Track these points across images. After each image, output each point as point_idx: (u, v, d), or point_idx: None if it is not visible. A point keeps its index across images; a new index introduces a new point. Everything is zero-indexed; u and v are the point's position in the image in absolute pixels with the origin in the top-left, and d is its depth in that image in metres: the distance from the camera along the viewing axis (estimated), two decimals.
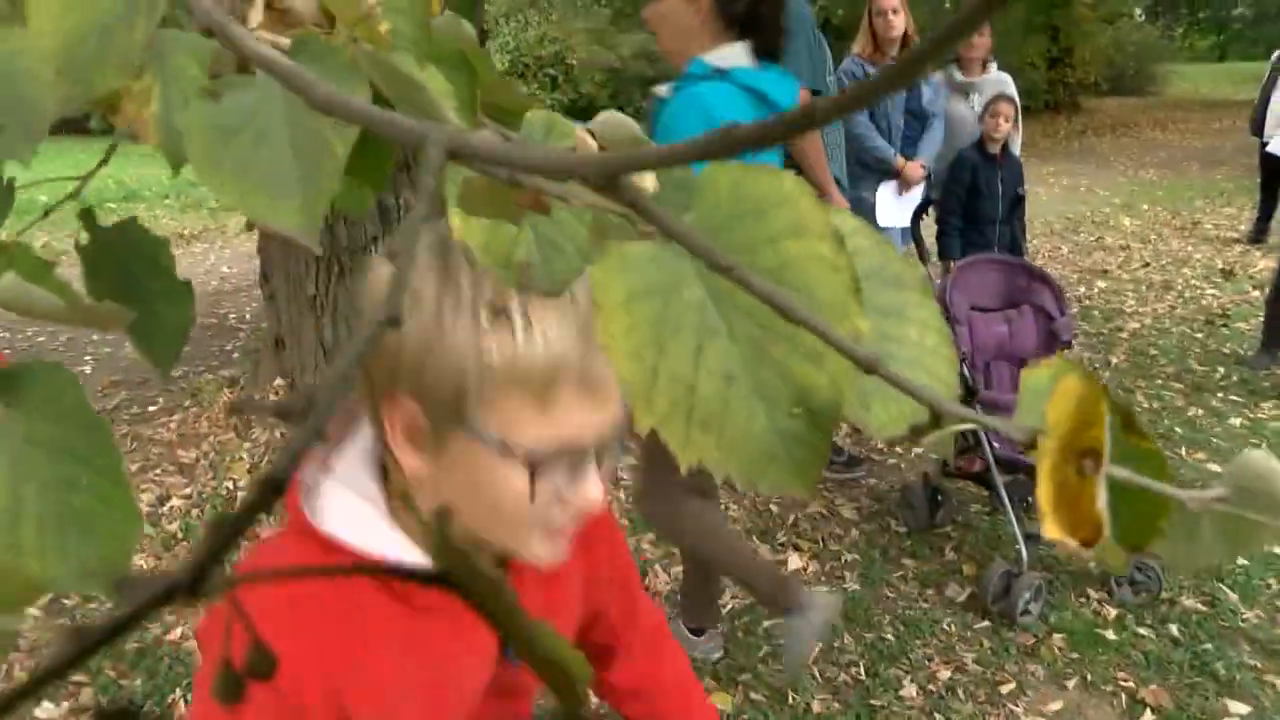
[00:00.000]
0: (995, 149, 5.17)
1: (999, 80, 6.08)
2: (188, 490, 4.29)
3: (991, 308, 3.97)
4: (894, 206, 5.48)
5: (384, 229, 4.37)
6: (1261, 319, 7.06)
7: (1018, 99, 6.05)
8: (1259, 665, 3.30)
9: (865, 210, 5.44)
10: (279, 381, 4.86)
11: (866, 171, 5.47)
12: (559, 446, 0.89)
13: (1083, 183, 13.38)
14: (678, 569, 3.64)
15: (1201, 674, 3.25)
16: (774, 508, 4.28)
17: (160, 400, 5.23)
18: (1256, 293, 7.96)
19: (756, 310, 0.44)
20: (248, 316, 6.96)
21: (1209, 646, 3.38)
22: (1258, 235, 9.73)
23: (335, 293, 4.45)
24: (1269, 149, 9.07)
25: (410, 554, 0.96)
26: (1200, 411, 5.45)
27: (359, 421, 1.00)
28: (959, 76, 6.07)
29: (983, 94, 5.91)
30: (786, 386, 0.44)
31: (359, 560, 0.92)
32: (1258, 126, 9.45)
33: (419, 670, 1.01)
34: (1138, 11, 32.35)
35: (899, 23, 5.30)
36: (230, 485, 4.31)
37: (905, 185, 5.41)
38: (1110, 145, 17.52)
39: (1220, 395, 5.70)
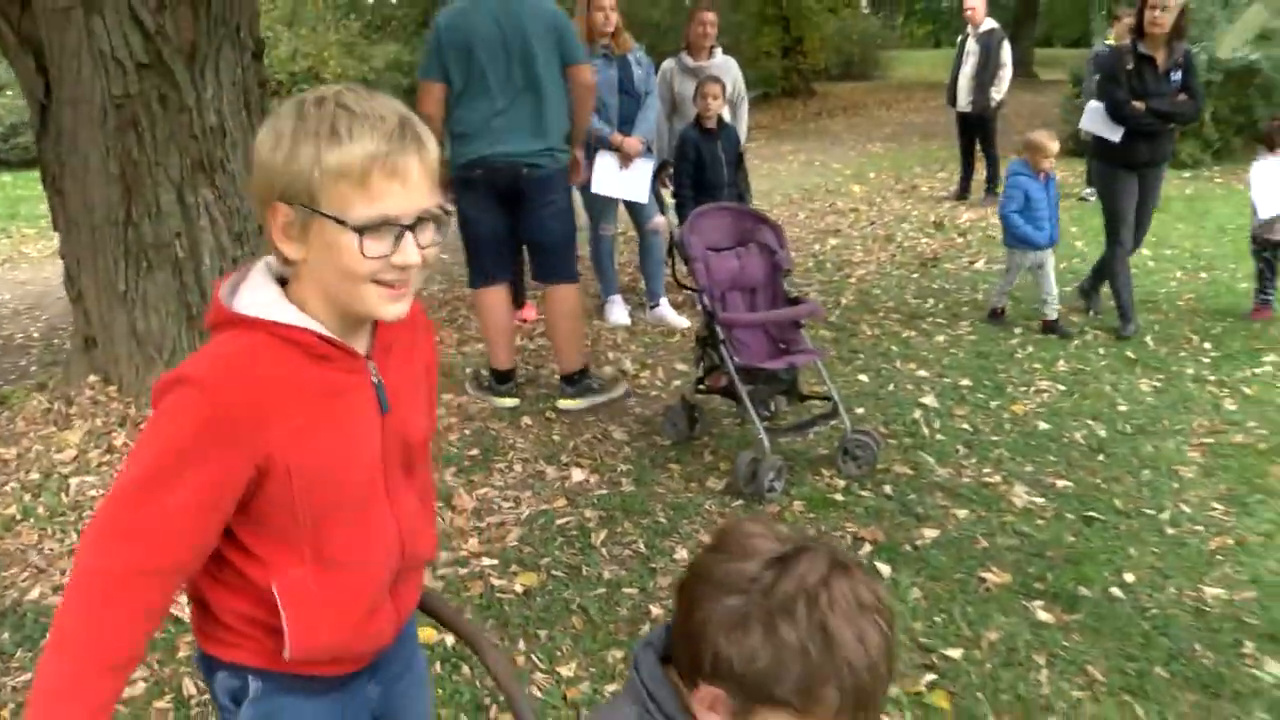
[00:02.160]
0: (711, 124, 5.98)
1: (724, 64, 6.92)
2: (17, 479, 4.52)
3: (724, 247, 4.71)
4: (614, 177, 6.22)
5: (186, 226, 4.75)
6: (964, 260, 8.23)
7: (740, 81, 6.91)
8: (947, 504, 4.17)
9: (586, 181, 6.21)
10: (93, 379, 5.12)
11: (587, 147, 6.20)
12: (379, 217, 1.34)
13: (818, 159, 14.62)
14: None
15: (906, 515, 4.09)
16: (556, 436, 4.92)
17: None
18: (961, 239, 9.19)
19: None
20: (35, 335, 7.07)
21: (913, 497, 4.23)
22: (962, 193, 11.11)
23: (144, 286, 4.80)
24: (958, 109, 10.47)
25: (310, 323, 1.41)
26: (913, 333, 6.43)
27: (255, 262, 1.50)
28: (689, 61, 6.87)
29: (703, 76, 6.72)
30: None
31: (273, 328, 1.40)
32: (951, 97, 10.81)
33: (337, 409, 1.46)
34: (863, 2, 34.63)
35: (614, 18, 6.08)
36: (63, 458, 4.57)
37: (626, 159, 6.17)
38: (842, 125, 19.03)
39: (929, 320, 6.71)
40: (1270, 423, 4.90)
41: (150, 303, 4.81)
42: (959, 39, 11.03)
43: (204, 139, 4.71)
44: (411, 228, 1.36)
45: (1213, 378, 5.57)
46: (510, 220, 5.00)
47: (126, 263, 4.74)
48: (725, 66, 6.83)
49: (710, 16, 6.88)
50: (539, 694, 3.05)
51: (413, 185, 1.35)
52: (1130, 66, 6.02)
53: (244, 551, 1.49)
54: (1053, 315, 6.38)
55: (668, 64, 6.89)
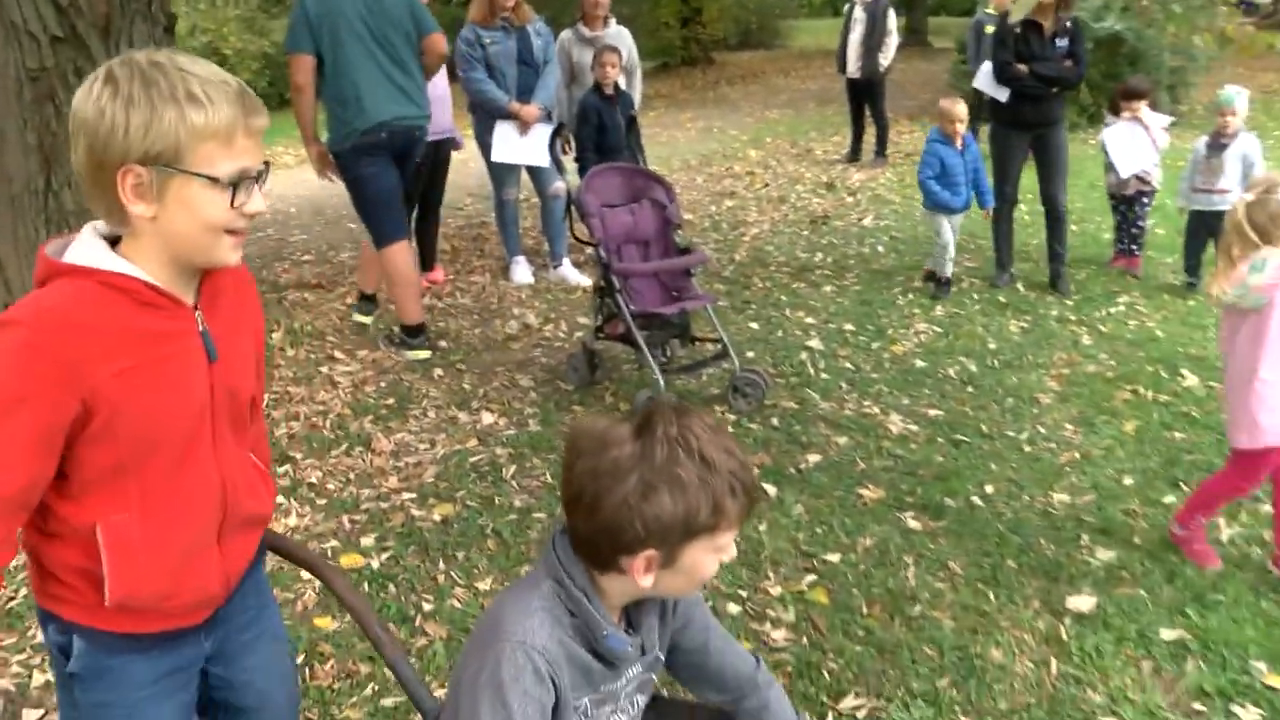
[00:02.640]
0: (610, 90, 6.29)
1: (618, 33, 7.21)
2: None
3: (618, 203, 5.03)
4: (514, 144, 6.52)
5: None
6: (854, 217, 8.66)
7: (634, 50, 7.21)
8: (829, 433, 4.57)
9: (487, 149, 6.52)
10: None
11: (487, 117, 6.51)
12: (239, 171, 1.48)
13: (716, 125, 14.98)
14: None
15: (791, 444, 4.47)
16: (467, 385, 5.21)
17: None
18: (851, 198, 9.62)
19: None
20: None
21: (798, 428, 4.61)
22: (853, 155, 11.56)
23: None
24: (848, 75, 10.94)
25: (138, 272, 1.50)
26: (802, 285, 6.82)
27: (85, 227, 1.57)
28: (585, 32, 7.14)
29: (599, 46, 7.02)
30: None
31: (100, 275, 1.48)
32: (841, 64, 11.23)
33: (160, 352, 1.53)
34: None
35: None
36: None
37: (525, 126, 6.46)
38: (740, 93, 19.42)
39: (818, 273, 7.11)
40: (1119, 355, 5.40)
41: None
42: (846, 8, 11.46)
43: None
44: (258, 179, 1.53)
45: (1074, 318, 6.06)
46: (401, 179, 5.36)
47: (48, 230, 4.88)
48: (620, 36, 7.13)
49: None
50: (458, 605, 3.36)
51: (259, 142, 1.52)
52: (1018, 33, 6.45)
53: (69, 498, 1.55)
54: (948, 274, 6.56)
55: (565, 34, 7.16)
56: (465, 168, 8.91)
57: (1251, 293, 3.18)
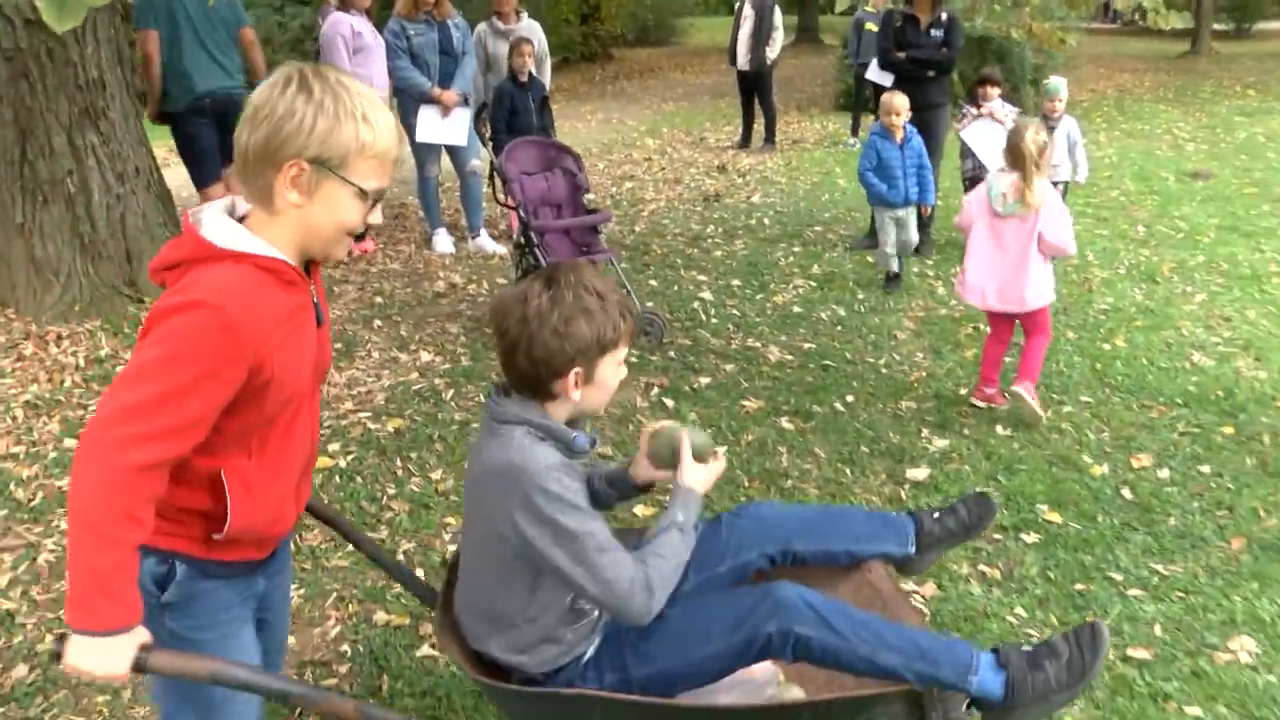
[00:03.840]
0: (523, 78, 7.03)
1: (529, 27, 7.95)
2: None
3: (534, 171, 5.79)
4: (436, 126, 7.25)
5: (76, 165, 5.50)
6: (743, 195, 9.52)
7: (544, 41, 7.94)
8: (718, 362, 5.40)
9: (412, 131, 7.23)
10: None
11: (411, 102, 7.22)
12: (378, 189, 1.75)
13: (615, 117, 15.78)
14: None
15: (686, 370, 5.28)
16: (404, 333, 5.92)
17: None
18: (741, 179, 10.50)
19: None
20: None
21: (692, 359, 5.43)
22: (744, 142, 12.47)
23: (40, 218, 5.53)
24: (738, 67, 11.83)
25: (281, 254, 1.71)
26: (696, 251, 7.65)
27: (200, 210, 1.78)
28: (499, 25, 7.87)
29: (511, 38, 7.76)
30: None
31: (255, 259, 1.68)
32: (732, 57, 12.11)
33: (297, 323, 1.76)
34: None
35: None
36: None
37: (445, 110, 7.18)
38: (638, 87, 20.26)
39: (710, 241, 7.95)
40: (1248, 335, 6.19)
41: (47, 233, 5.54)
42: (737, 5, 12.33)
43: (87, 90, 5.49)
44: (378, 199, 1.81)
45: (932, 274, 6.99)
46: (222, 137, 6.45)
47: (24, 197, 5.46)
48: (531, 28, 7.87)
49: None
50: (416, 490, 4.09)
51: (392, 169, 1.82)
52: (898, 24, 7.34)
53: (205, 451, 1.71)
54: (896, 268, 6.71)
55: (481, 27, 7.87)
56: None
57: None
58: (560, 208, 5.82)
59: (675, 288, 6.72)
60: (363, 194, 1.72)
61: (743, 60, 11.91)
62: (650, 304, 6.22)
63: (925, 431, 4.58)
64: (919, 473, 4.19)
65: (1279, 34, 30.20)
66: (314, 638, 3.23)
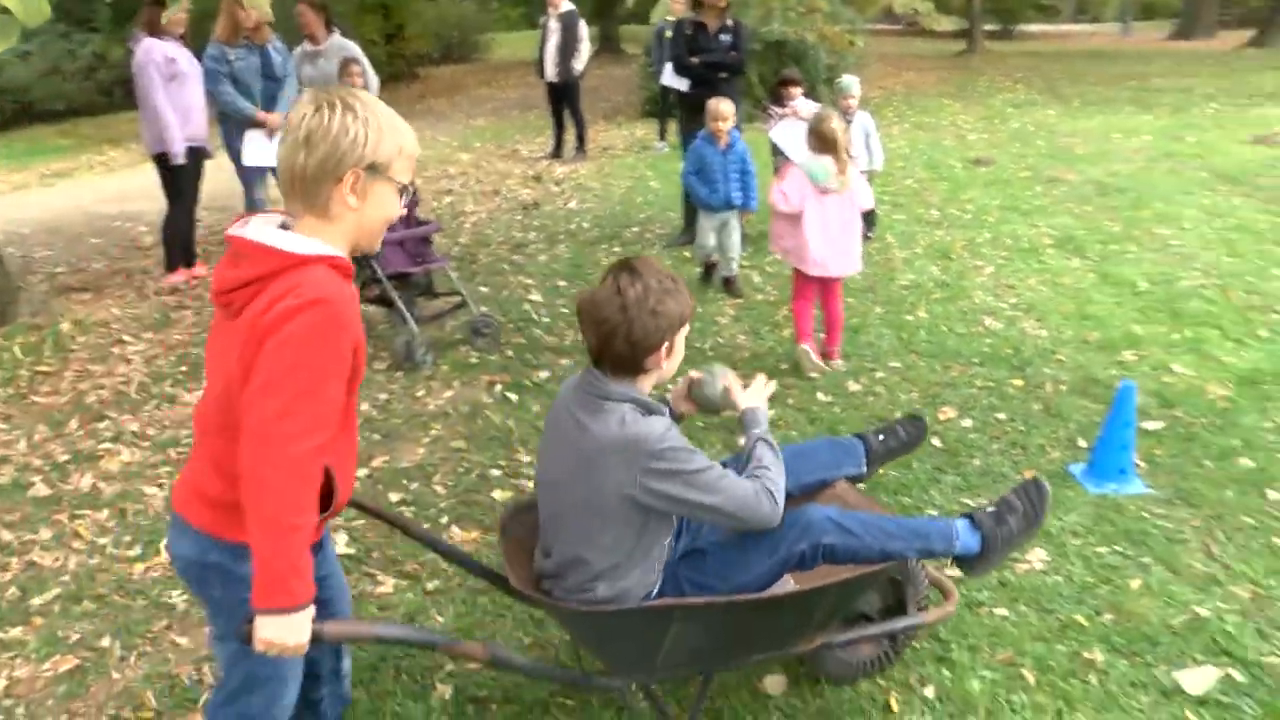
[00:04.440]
0: None
1: (342, 45, 8.02)
2: None
3: None
4: (262, 149, 7.29)
5: None
6: (560, 203, 9.79)
7: (363, 57, 8.02)
8: (555, 357, 5.65)
9: (238, 155, 7.24)
10: None
11: (236, 126, 7.24)
12: (409, 182, 2.03)
13: (427, 134, 15.81)
14: None
15: (525, 366, 5.50)
16: None
17: None
18: (556, 188, 10.78)
19: None
20: None
21: (529, 355, 5.65)
22: (556, 152, 12.75)
23: None
24: (547, 79, 12.09)
25: (339, 251, 1.93)
26: (520, 257, 7.88)
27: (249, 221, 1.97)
28: (309, 47, 7.93)
29: (328, 58, 7.84)
30: None
31: (330, 260, 1.89)
32: (540, 70, 12.34)
33: (357, 310, 1.96)
34: None
35: (255, 15, 7.10)
36: None
37: (271, 133, 7.22)
38: (447, 104, 20.33)
39: (533, 247, 8.19)
40: (781, 287, 6.72)
41: None
42: (542, 20, 12.55)
43: None
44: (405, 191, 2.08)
45: (749, 264, 7.40)
46: None
47: None
48: (343, 46, 7.95)
49: (301, 7, 7.96)
50: None
51: None
52: (689, 32, 7.71)
53: None
54: (730, 272, 6.78)
55: (298, 50, 7.92)
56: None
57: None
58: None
59: (505, 292, 6.93)
60: (403, 189, 2.01)
61: (551, 72, 12.17)
62: (484, 308, 6.41)
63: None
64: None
65: (1036, 35, 33.31)
66: None
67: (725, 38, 7.68)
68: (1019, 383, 5.04)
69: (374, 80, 8.07)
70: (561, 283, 7.09)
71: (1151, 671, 2.94)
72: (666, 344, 2.31)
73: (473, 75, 25.61)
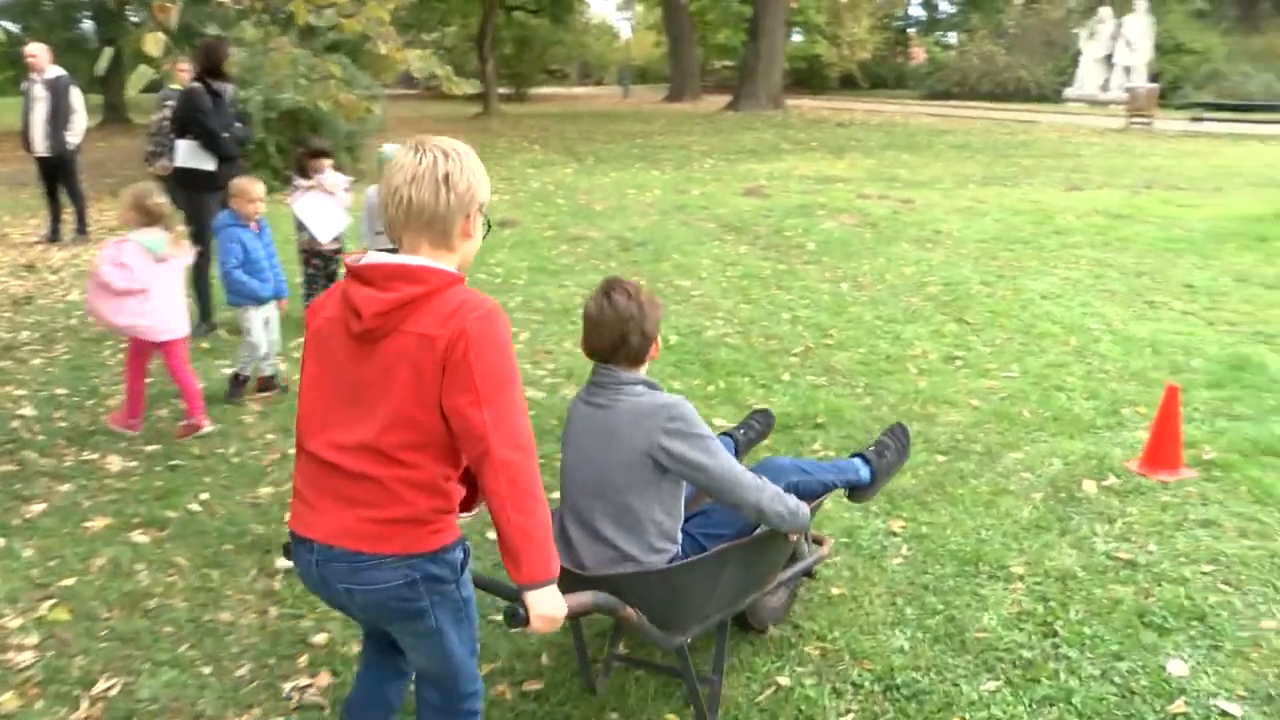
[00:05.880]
0: None
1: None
2: None
3: None
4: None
5: None
6: (58, 294, 8.77)
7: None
8: (52, 484, 4.91)
9: None
10: None
11: None
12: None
13: None
14: None
15: (15, 500, 4.73)
16: None
17: None
18: (54, 277, 9.67)
19: None
20: None
21: (19, 485, 4.87)
22: (53, 235, 11.45)
23: None
24: (36, 154, 10.89)
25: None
26: (9, 362, 6.88)
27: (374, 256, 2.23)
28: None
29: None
30: None
31: (460, 278, 2.20)
32: (26, 142, 11.04)
33: None
34: None
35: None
36: None
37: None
38: None
39: (25, 349, 7.20)
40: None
41: None
42: (24, 85, 11.18)
43: None
44: None
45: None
46: None
47: None
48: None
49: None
50: None
51: None
52: (208, 106, 7.06)
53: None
54: (269, 371, 6.19)
55: None
56: None
57: None
58: None
59: None
60: (488, 222, 2.35)
61: (40, 146, 10.91)
62: None
63: (286, 514, 4.52)
64: (287, 561, 4.13)
65: (546, 98, 35.44)
66: None
67: (233, 109, 7.22)
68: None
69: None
70: (61, 391, 6.25)
71: None
72: (658, 337, 2.93)
73: None
